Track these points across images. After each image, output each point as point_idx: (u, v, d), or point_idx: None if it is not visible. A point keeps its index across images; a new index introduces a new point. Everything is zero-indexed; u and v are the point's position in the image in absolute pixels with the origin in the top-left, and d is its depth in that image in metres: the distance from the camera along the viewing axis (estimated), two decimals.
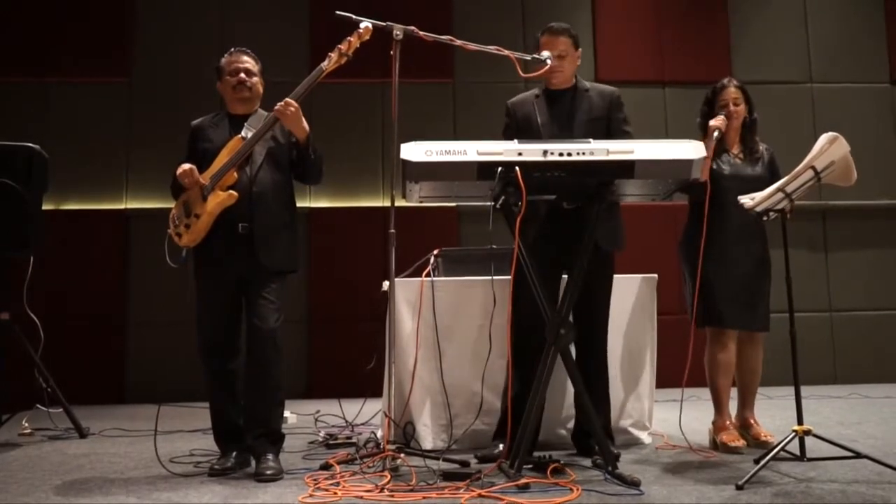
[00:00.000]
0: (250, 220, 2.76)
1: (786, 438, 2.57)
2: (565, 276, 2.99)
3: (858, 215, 6.03)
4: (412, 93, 5.28)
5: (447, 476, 2.49)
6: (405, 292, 3.21)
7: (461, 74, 5.95)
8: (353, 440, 3.28)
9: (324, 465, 2.74)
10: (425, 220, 5.35)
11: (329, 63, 2.79)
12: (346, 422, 3.76)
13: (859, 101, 6.15)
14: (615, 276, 3.06)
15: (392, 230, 2.77)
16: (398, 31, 2.81)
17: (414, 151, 2.52)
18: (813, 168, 2.57)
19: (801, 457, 2.59)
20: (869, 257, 6.02)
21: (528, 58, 2.97)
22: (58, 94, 5.74)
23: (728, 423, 3.09)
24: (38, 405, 3.95)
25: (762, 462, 2.48)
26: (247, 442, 2.77)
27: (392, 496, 2.28)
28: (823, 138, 2.57)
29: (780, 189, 2.64)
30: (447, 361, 3.17)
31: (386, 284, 2.94)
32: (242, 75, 2.88)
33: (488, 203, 2.69)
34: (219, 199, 2.74)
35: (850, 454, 2.54)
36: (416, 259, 3.41)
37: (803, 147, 2.73)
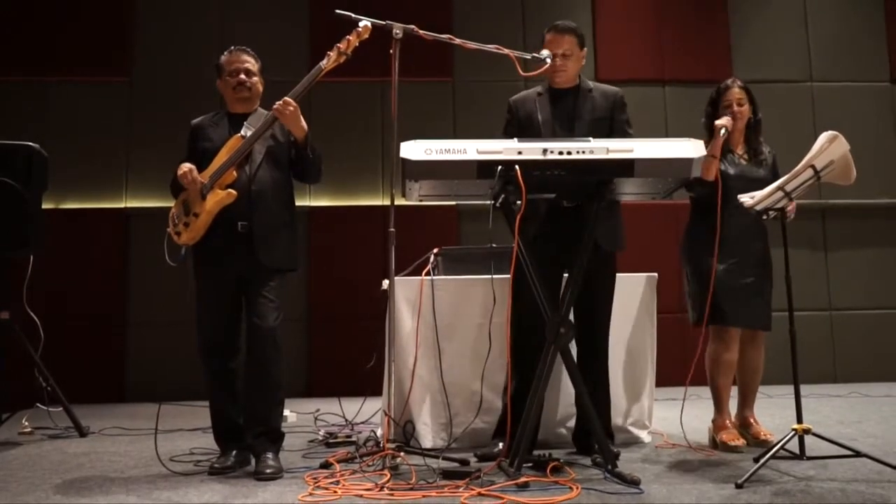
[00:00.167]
0: (249, 219, 2.76)
1: (785, 437, 2.57)
2: (566, 275, 2.99)
3: (858, 214, 6.03)
4: (412, 91, 5.28)
5: (447, 475, 2.49)
6: (405, 291, 3.21)
7: (461, 73, 5.95)
8: (353, 439, 3.28)
9: (324, 463, 2.74)
10: (425, 218, 5.35)
11: (328, 62, 2.79)
12: (346, 420, 3.76)
13: (859, 100, 6.14)
14: (617, 274, 3.05)
15: (392, 229, 2.77)
16: (398, 29, 2.81)
17: (413, 150, 2.51)
18: (812, 167, 2.56)
19: (801, 455, 2.59)
20: (869, 256, 6.02)
21: (528, 56, 2.97)
22: (58, 93, 5.74)
23: (728, 421, 3.09)
24: (39, 404, 3.96)
25: (762, 461, 2.48)
26: (247, 441, 2.77)
27: (392, 495, 2.28)
28: (823, 137, 2.57)
29: (779, 188, 2.64)
30: (447, 360, 3.17)
31: (386, 283, 2.94)
32: (242, 76, 2.88)
33: (488, 202, 2.69)
34: (218, 198, 2.75)
35: (849, 453, 2.54)
36: (416, 258, 3.41)
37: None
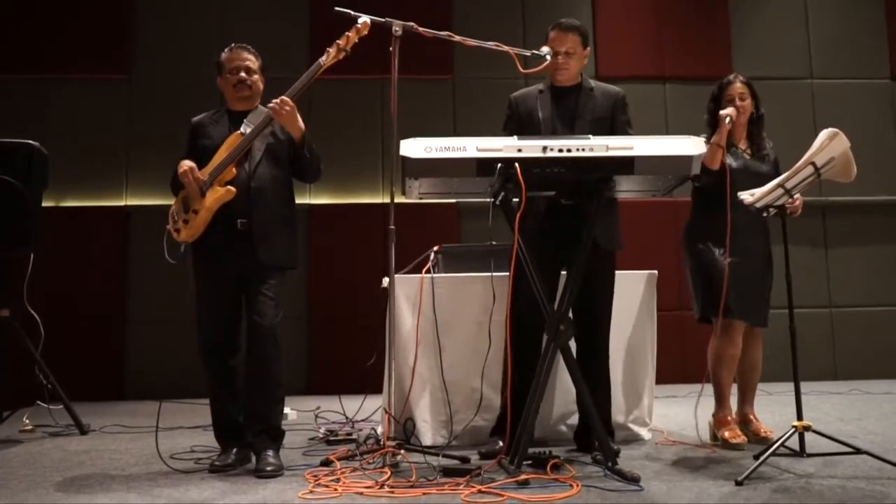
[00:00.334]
0: (249, 216, 2.76)
1: (785, 434, 2.57)
2: (563, 273, 2.99)
3: (858, 211, 6.01)
4: (411, 89, 5.27)
5: (447, 472, 2.49)
6: (405, 289, 3.21)
7: (461, 71, 5.94)
8: (354, 436, 3.28)
9: (324, 461, 2.74)
10: (425, 216, 5.34)
11: (327, 58, 2.78)
12: (347, 418, 3.75)
13: (859, 97, 6.13)
14: (617, 272, 3.06)
15: (392, 226, 2.76)
16: (397, 27, 2.80)
17: (413, 148, 2.51)
18: (813, 164, 2.56)
19: (801, 453, 2.59)
20: (869, 253, 6.01)
21: (528, 53, 2.96)
22: (58, 90, 5.73)
23: (729, 417, 3.08)
24: (39, 402, 3.95)
25: (762, 458, 2.47)
26: (247, 438, 2.77)
27: (392, 492, 2.28)
28: (823, 134, 2.56)
29: (779, 185, 2.64)
30: (447, 358, 3.16)
31: (386, 281, 2.93)
32: (243, 74, 2.87)
33: (488, 199, 2.68)
34: (217, 195, 2.74)
35: (849, 450, 2.54)
36: (416, 255, 3.41)
37: (803, 143, 2.72)
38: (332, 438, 3.27)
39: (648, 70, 6.06)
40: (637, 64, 6.06)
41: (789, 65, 6.17)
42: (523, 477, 2.36)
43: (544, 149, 2.52)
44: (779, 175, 3.01)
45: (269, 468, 2.60)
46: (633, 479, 2.35)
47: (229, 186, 2.75)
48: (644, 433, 3.27)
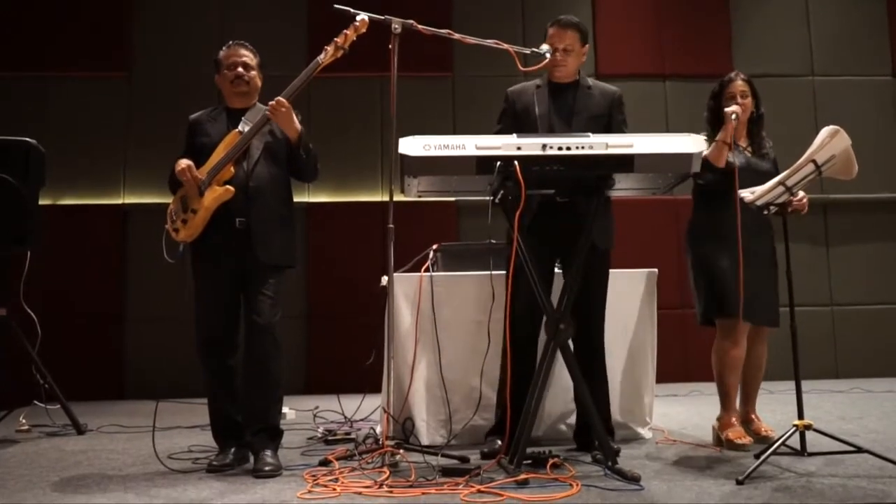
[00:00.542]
0: (247, 215, 2.75)
1: (786, 433, 2.56)
2: (557, 271, 2.99)
3: (860, 209, 6.00)
4: (411, 87, 5.27)
5: (446, 472, 2.48)
6: (404, 287, 3.20)
7: (460, 68, 5.93)
8: (352, 436, 3.27)
9: (322, 461, 2.73)
10: (424, 214, 5.33)
11: (325, 56, 2.77)
12: (345, 418, 3.74)
13: (861, 94, 6.11)
14: (615, 270, 3.06)
15: (391, 225, 2.76)
16: (396, 24, 2.79)
17: (412, 146, 2.49)
18: (814, 162, 2.54)
19: (802, 451, 2.58)
20: (870, 251, 5.99)
21: (528, 51, 2.95)
22: (56, 88, 5.72)
23: (734, 419, 3.06)
24: (36, 402, 3.94)
25: (763, 457, 2.46)
26: (245, 438, 2.76)
27: (391, 492, 2.27)
28: (824, 132, 2.55)
29: (780, 183, 2.63)
30: (446, 357, 3.15)
31: (385, 280, 2.92)
32: (240, 69, 2.86)
33: (487, 197, 2.68)
34: (215, 195, 2.73)
35: (851, 449, 2.53)
36: (416, 254, 3.40)
37: (804, 140, 2.71)
38: (330, 438, 3.26)
39: (648, 68, 6.05)
40: (637, 62, 6.04)
41: (790, 62, 6.15)
42: (523, 476, 2.35)
43: (544, 146, 2.51)
44: (778, 174, 3.00)
45: (267, 468, 2.59)
46: (634, 479, 2.34)
47: (228, 186, 2.74)
48: (644, 432, 3.26)
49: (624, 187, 2.79)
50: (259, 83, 2.93)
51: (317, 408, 4.12)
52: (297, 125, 2.78)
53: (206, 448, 3.06)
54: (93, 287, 5.49)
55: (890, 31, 6.21)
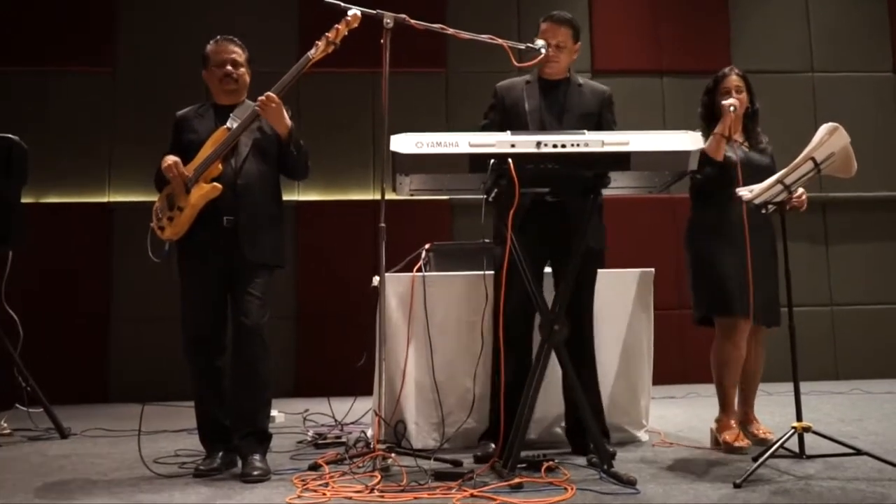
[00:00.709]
0: (235, 213, 2.71)
1: (785, 435, 2.55)
2: (547, 270, 2.98)
3: (859, 207, 6.00)
4: (403, 83, 5.23)
5: (439, 476, 2.45)
6: (396, 288, 3.17)
7: (454, 64, 5.89)
8: (343, 440, 3.24)
9: (312, 465, 2.70)
10: (417, 213, 5.30)
11: (316, 52, 2.74)
12: (336, 421, 3.71)
13: (860, 91, 6.11)
14: (612, 270, 3.07)
15: (382, 224, 2.73)
16: (389, 19, 2.77)
17: (404, 143, 2.47)
18: (812, 159, 2.52)
19: (801, 454, 2.57)
20: (870, 250, 5.98)
21: (523, 47, 2.94)
22: (39, 84, 5.64)
23: (733, 421, 3.03)
24: (18, 405, 3.89)
25: (761, 459, 2.45)
26: (233, 442, 2.73)
27: (382, 497, 2.25)
28: (823, 129, 2.53)
29: (778, 181, 2.60)
30: (439, 358, 3.13)
31: (376, 280, 2.90)
32: (229, 67, 2.82)
33: (481, 196, 2.65)
34: (202, 192, 2.69)
35: (850, 451, 2.52)
36: (408, 253, 3.37)
37: (804, 137, 2.69)
38: (320, 442, 3.23)
39: (645, 64, 6.03)
40: (634, 58, 6.02)
41: (789, 58, 6.15)
42: (517, 480, 2.33)
43: (538, 144, 2.48)
44: (777, 169, 2.97)
45: (255, 472, 2.56)
46: (630, 482, 2.33)
47: (215, 183, 2.70)
48: (641, 435, 3.24)
49: (620, 185, 2.76)
50: (248, 80, 2.89)
51: (306, 411, 4.09)
52: (288, 121, 2.75)
53: (192, 452, 3.02)
54: (77, 287, 5.43)
55: (890, 28, 6.21)
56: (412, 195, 2.80)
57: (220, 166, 2.71)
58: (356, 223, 5.56)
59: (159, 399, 4.59)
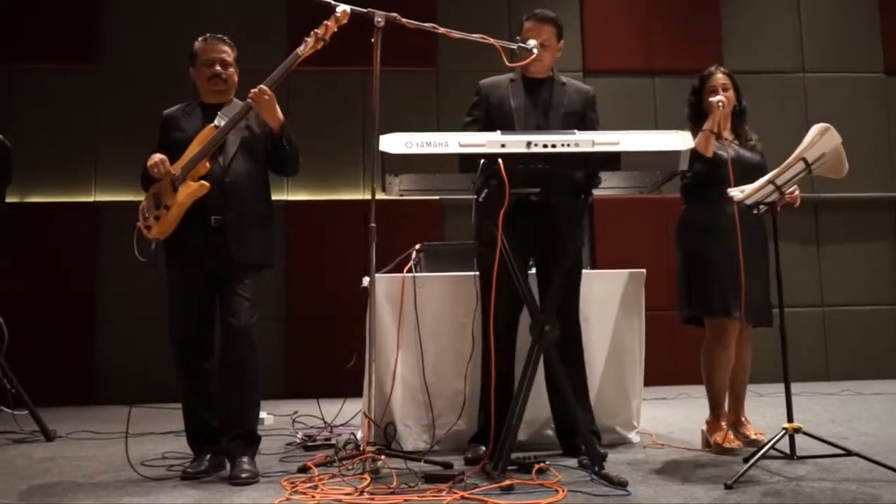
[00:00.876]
0: (223, 213, 2.69)
1: (776, 436, 2.54)
2: (531, 272, 2.98)
3: (851, 208, 6.03)
4: (394, 81, 5.21)
5: (429, 478, 2.44)
6: (386, 288, 3.15)
7: (445, 63, 5.89)
8: (332, 442, 3.23)
9: (301, 467, 2.68)
10: (407, 213, 5.28)
11: (305, 48, 2.72)
12: (325, 423, 3.69)
13: (852, 91, 6.15)
14: (604, 271, 3.10)
15: (372, 224, 2.71)
16: (379, 17, 2.75)
17: (393, 143, 2.46)
18: (804, 160, 2.52)
19: (792, 455, 2.56)
20: (862, 251, 6.02)
21: (515, 46, 2.93)
22: (23, 81, 5.60)
23: (724, 423, 3.02)
24: (3, 407, 3.87)
25: (752, 461, 2.44)
26: (221, 444, 2.70)
27: (372, 499, 2.23)
28: (814, 129, 2.53)
29: (770, 181, 2.59)
30: (429, 360, 3.12)
31: (366, 280, 2.88)
32: (218, 67, 2.80)
33: (471, 196, 2.64)
34: (190, 190, 2.67)
35: (841, 452, 2.51)
36: (398, 254, 3.36)
37: (795, 137, 2.68)
38: (309, 444, 3.22)
39: (637, 64, 6.04)
40: (626, 57, 6.03)
41: (781, 58, 6.18)
42: (507, 482, 2.32)
43: (528, 144, 2.47)
44: (768, 166, 2.96)
45: (244, 475, 2.54)
46: (621, 484, 2.32)
47: (203, 181, 2.68)
48: (632, 436, 3.23)
49: (611, 186, 2.76)
50: (236, 79, 2.87)
51: (296, 412, 4.08)
52: (280, 114, 2.73)
53: (180, 455, 2.99)
54: (62, 288, 5.39)
55: (882, 28, 6.24)
56: (402, 195, 2.79)
57: (207, 164, 2.69)
58: (346, 223, 5.55)
59: (146, 401, 4.56)
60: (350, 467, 2.58)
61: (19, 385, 3.74)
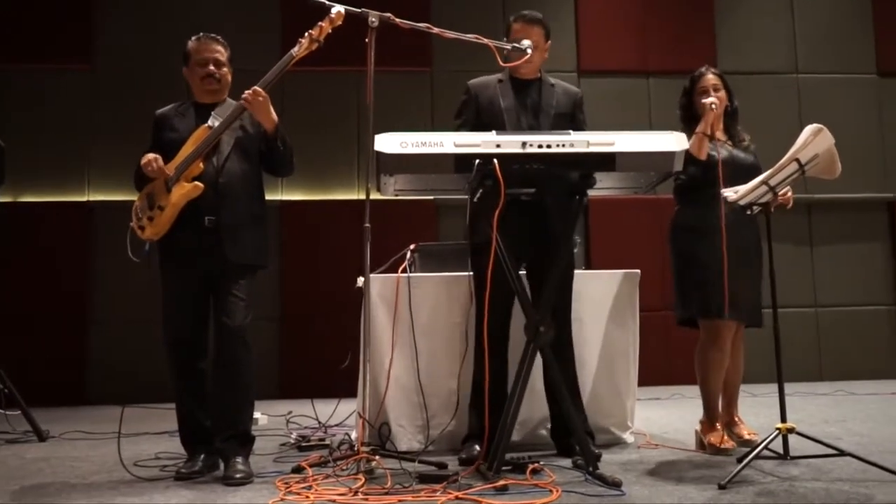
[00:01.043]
0: (217, 213, 2.68)
1: (769, 436, 2.54)
2: (522, 272, 2.96)
3: (844, 208, 6.05)
4: (388, 81, 5.20)
5: (423, 478, 2.44)
6: (380, 289, 3.15)
7: (439, 63, 5.88)
8: (327, 442, 3.22)
9: (296, 468, 2.67)
10: (403, 213, 5.28)
11: (299, 49, 2.71)
12: (319, 423, 3.68)
13: (845, 92, 6.16)
14: (598, 271, 3.11)
15: (367, 224, 2.70)
16: (373, 17, 2.75)
17: (388, 143, 2.45)
18: (797, 161, 2.53)
19: (785, 455, 2.56)
20: (855, 251, 6.04)
21: (509, 46, 2.93)
22: (16, 80, 5.57)
23: (718, 423, 3.03)
24: None
25: (745, 461, 2.44)
26: (215, 444, 2.70)
27: (366, 499, 2.23)
28: (807, 130, 2.53)
29: (763, 182, 2.60)
30: (424, 360, 3.11)
31: (361, 280, 2.88)
32: (212, 67, 2.79)
33: (466, 196, 2.64)
34: (183, 191, 2.66)
35: (834, 452, 2.52)
36: (393, 254, 3.35)
37: (788, 138, 2.69)
38: (304, 444, 3.21)
39: (632, 64, 6.05)
40: (620, 58, 6.04)
41: (774, 59, 6.20)
42: (502, 483, 2.32)
43: (524, 144, 2.47)
44: (761, 166, 2.97)
45: (238, 475, 2.53)
46: (615, 484, 2.32)
47: (196, 182, 2.67)
48: (626, 436, 3.24)
49: (605, 186, 2.77)
50: (230, 79, 2.86)
51: (290, 413, 4.07)
52: (274, 116, 2.73)
53: (174, 455, 2.99)
54: (55, 288, 5.37)
55: (875, 29, 6.27)
56: (397, 195, 2.79)
57: (201, 165, 2.68)
58: (340, 223, 5.53)
59: (139, 401, 4.53)
60: (344, 468, 2.57)
61: (12, 385, 3.73)
